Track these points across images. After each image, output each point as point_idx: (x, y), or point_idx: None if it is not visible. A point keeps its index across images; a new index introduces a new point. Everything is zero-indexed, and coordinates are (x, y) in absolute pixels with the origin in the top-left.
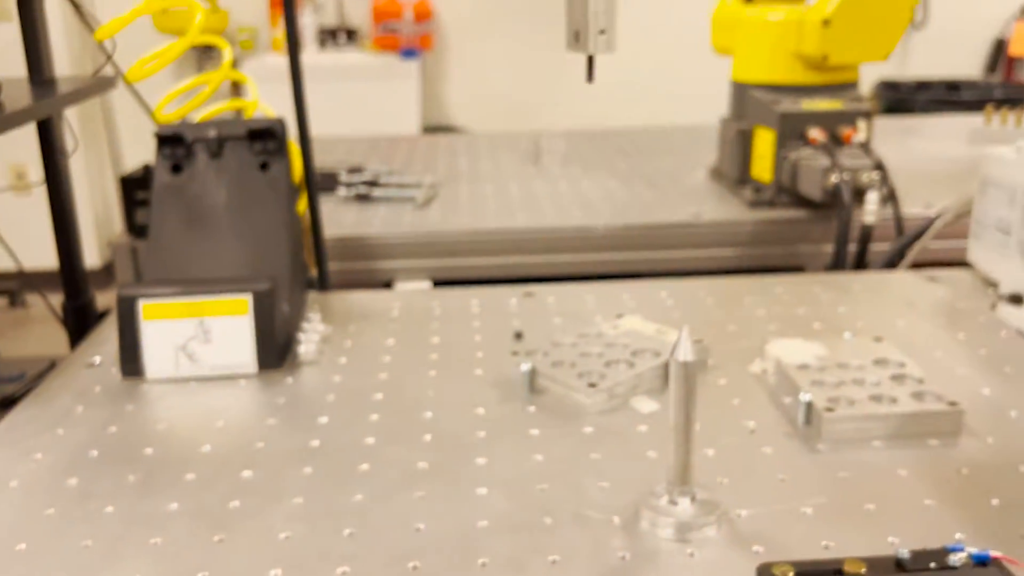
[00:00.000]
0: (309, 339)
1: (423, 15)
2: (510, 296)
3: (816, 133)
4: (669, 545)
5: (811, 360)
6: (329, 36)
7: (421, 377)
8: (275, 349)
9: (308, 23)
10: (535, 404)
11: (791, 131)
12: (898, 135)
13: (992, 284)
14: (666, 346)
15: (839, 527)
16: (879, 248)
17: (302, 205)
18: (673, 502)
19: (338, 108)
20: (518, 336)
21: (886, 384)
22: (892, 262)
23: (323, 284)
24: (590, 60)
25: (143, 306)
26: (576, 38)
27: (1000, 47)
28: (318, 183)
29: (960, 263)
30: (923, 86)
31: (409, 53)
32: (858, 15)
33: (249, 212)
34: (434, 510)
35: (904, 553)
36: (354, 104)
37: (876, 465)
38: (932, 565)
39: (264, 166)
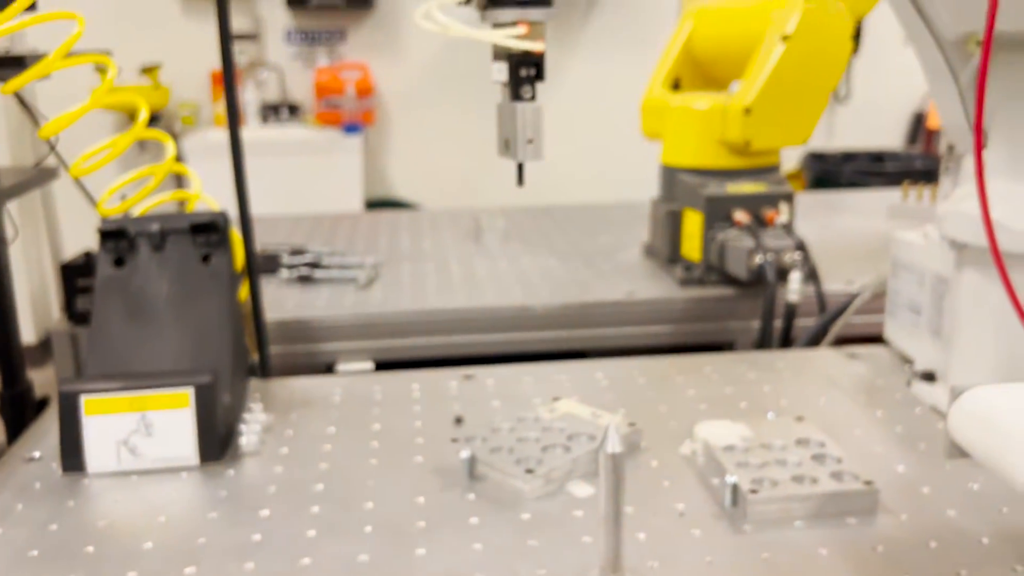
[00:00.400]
0: (251, 429)
1: (365, 91)
2: (450, 379)
3: (741, 215)
4: None
5: (737, 441)
6: (271, 111)
7: (362, 466)
8: (216, 441)
9: (251, 99)
10: (474, 491)
11: (717, 213)
12: (821, 210)
13: (907, 360)
14: (601, 430)
15: None
16: (803, 323)
17: (244, 291)
18: None
19: (281, 183)
20: (458, 421)
21: (807, 464)
22: (815, 338)
23: (264, 370)
24: (520, 167)
25: (85, 401)
26: (506, 146)
27: (919, 120)
28: (260, 265)
29: (879, 338)
30: (849, 157)
31: (352, 128)
32: (777, 103)
33: (191, 303)
34: None
35: None
36: (297, 178)
37: (798, 545)
38: None
39: (206, 258)
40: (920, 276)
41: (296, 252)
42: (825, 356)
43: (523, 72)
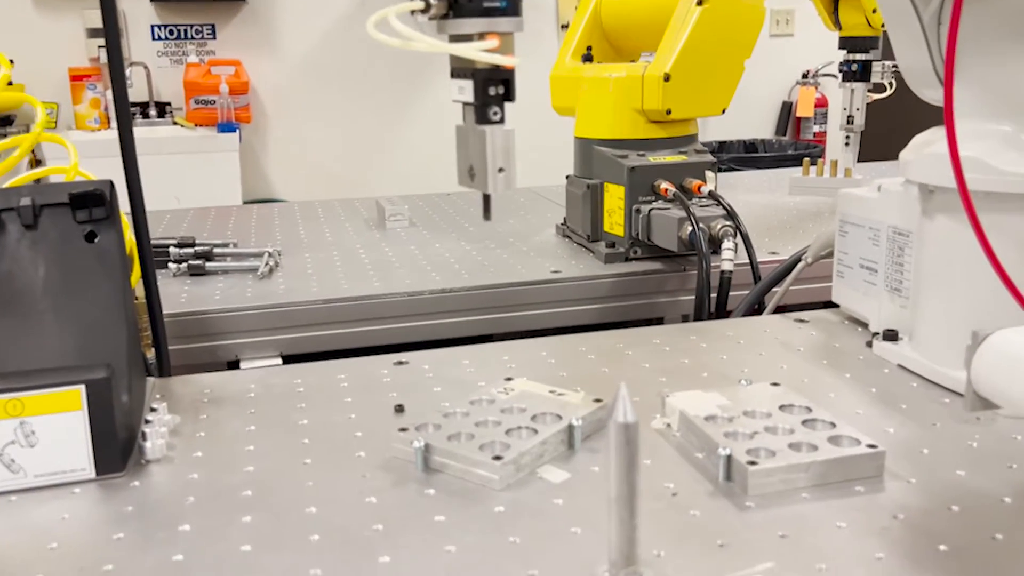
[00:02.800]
0: (155, 433)
1: (238, 88)
2: (380, 367)
3: (666, 185)
4: None
5: (716, 411)
6: (140, 111)
7: (295, 466)
8: (116, 448)
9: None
10: (432, 486)
11: (641, 185)
12: (722, 190)
13: (861, 323)
14: (567, 407)
15: None
16: (735, 295)
17: (134, 279)
18: None
19: (153, 183)
20: (399, 409)
21: (800, 431)
22: (753, 309)
23: (163, 369)
24: (487, 198)
25: None
26: (470, 175)
27: (788, 110)
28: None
29: (813, 306)
30: (724, 146)
31: (227, 127)
32: (695, 70)
33: (75, 290)
34: None
35: None
36: (171, 178)
37: (813, 519)
38: None
39: (91, 236)
40: (875, 232)
41: (185, 244)
42: (773, 323)
43: (491, 91)
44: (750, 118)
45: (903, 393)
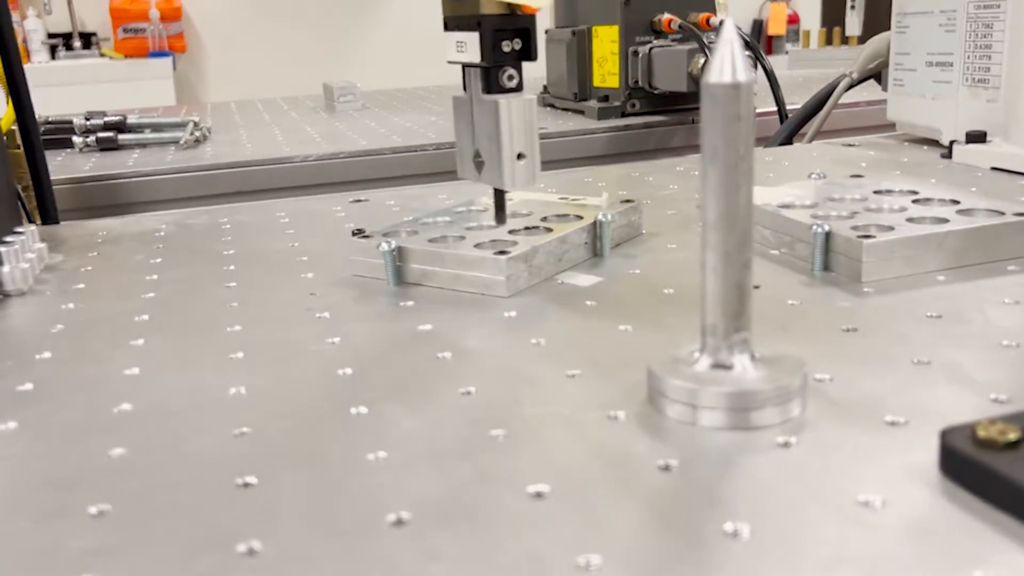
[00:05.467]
0: (13, 254)
1: (170, 15)
2: (332, 204)
3: (669, 17)
4: (736, 439)
5: (791, 200)
6: (63, 43)
7: (216, 289)
8: None
9: (33, 28)
10: (411, 299)
11: (638, 23)
12: None
13: (927, 141)
14: (588, 210)
15: (992, 376)
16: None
17: (5, 122)
18: (722, 365)
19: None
20: (359, 233)
21: (915, 209)
22: (788, 140)
23: (47, 215)
24: (500, 196)
25: None
26: (476, 164)
27: (759, 28)
28: (42, 136)
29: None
30: None
31: (159, 55)
32: None
33: None
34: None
35: None
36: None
37: (962, 298)
38: None
39: None
40: (948, 15)
41: (93, 115)
42: (819, 148)
43: (505, 46)
44: None
45: (1013, 190)
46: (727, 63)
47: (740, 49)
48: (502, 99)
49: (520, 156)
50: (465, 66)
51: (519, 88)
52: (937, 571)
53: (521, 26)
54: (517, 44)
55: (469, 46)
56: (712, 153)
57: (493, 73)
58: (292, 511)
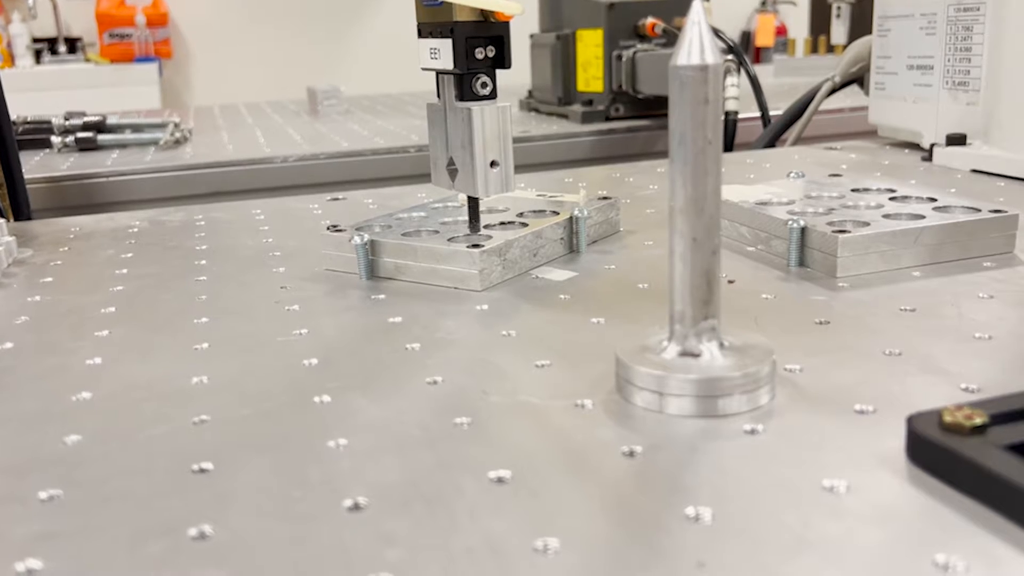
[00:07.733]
0: None
1: (157, 20)
2: (309, 203)
3: (653, 21)
4: (703, 426)
5: (767, 197)
6: (47, 48)
7: (187, 283)
8: None
9: (18, 33)
10: (383, 292)
11: (622, 26)
12: None
13: (908, 144)
14: (565, 206)
15: (964, 367)
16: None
17: None
18: (690, 352)
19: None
20: (333, 228)
21: (892, 206)
22: (770, 144)
23: (19, 210)
24: (474, 204)
25: None
26: (449, 172)
27: (747, 40)
28: (20, 136)
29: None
30: None
31: (145, 60)
32: None
33: None
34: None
35: None
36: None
37: (938, 293)
38: None
39: None
40: (929, 18)
41: (72, 115)
42: (801, 151)
43: (478, 53)
44: None
45: (992, 191)
46: (695, 45)
47: (708, 30)
48: (475, 106)
49: (493, 164)
50: (439, 73)
51: (493, 96)
52: (900, 554)
53: (495, 33)
54: (491, 51)
55: (443, 53)
56: (680, 138)
57: (467, 80)
58: (247, 497)
